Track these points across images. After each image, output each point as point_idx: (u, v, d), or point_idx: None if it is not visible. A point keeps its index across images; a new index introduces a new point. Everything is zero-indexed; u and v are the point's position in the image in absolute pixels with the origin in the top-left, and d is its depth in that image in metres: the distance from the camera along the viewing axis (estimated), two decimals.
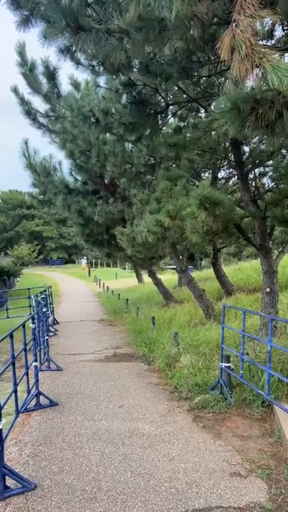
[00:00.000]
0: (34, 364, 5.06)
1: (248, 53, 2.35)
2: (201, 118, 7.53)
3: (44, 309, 7.22)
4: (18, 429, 4.39)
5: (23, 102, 9.19)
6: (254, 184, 7.86)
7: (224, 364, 4.96)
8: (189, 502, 2.96)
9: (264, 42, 5.20)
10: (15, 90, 9.00)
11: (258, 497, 2.99)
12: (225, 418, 4.46)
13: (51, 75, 8.07)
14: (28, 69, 7.98)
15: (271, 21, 5.01)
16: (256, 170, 8.10)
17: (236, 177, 9.08)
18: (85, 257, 46.05)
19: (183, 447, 3.84)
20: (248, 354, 5.28)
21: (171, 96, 6.72)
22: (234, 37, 2.39)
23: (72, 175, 12.42)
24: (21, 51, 7.91)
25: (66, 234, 56.22)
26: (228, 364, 4.96)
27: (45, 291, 11.36)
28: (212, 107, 6.47)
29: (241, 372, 4.72)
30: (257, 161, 7.53)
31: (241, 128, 2.82)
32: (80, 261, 50.10)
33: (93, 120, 6.78)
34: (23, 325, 4.49)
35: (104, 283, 23.58)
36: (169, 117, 7.20)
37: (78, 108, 6.94)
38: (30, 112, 9.23)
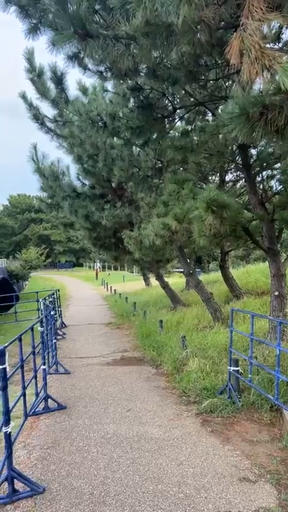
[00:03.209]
0: (42, 367, 5.09)
1: (257, 56, 2.35)
2: (209, 121, 7.54)
3: (52, 312, 7.25)
4: (26, 432, 4.41)
5: (31, 107, 9.29)
6: (261, 187, 7.82)
7: (232, 368, 4.93)
8: (197, 507, 2.94)
9: (271, 45, 5.20)
10: (23, 96, 9.11)
11: (268, 503, 2.96)
12: (234, 422, 4.43)
13: (59, 80, 8.13)
14: (36, 75, 8.07)
15: (278, 24, 5.01)
16: (264, 173, 8.05)
17: (243, 179, 9.05)
18: (98, 261, 46.77)
19: (191, 451, 3.82)
20: (256, 357, 5.24)
21: (178, 100, 6.74)
22: (243, 41, 2.39)
23: (80, 179, 12.49)
24: (29, 58, 8.00)
25: (74, 237, 56.51)
26: (237, 368, 4.93)
27: (53, 294, 11.41)
28: (220, 110, 6.47)
29: (249, 375, 4.69)
30: (265, 164, 7.49)
31: (250, 133, 2.81)
32: (94, 264, 51.02)
33: (101, 125, 6.81)
34: (32, 329, 4.52)
35: (111, 287, 23.62)
36: (176, 120, 7.22)
37: (86, 112, 6.97)
38: (38, 117, 9.33)
